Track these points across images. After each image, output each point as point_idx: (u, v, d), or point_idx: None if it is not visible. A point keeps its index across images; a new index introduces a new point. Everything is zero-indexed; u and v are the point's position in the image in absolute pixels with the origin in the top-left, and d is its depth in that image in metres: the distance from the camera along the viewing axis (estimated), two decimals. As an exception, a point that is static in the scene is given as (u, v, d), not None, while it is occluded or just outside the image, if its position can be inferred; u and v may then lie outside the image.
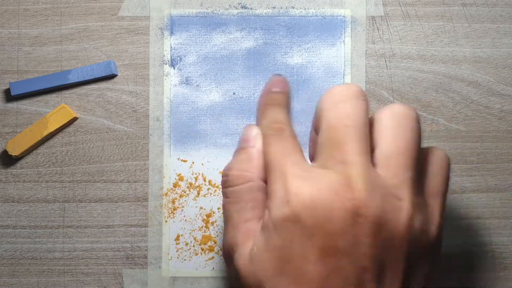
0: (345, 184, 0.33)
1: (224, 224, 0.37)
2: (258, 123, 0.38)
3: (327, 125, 0.34)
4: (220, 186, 0.47)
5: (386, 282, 0.32)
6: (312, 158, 0.37)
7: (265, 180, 0.36)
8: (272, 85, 0.40)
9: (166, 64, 0.47)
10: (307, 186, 0.33)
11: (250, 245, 0.35)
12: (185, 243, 0.47)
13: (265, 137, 0.37)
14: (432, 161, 0.37)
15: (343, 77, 0.47)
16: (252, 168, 0.37)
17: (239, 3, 0.47)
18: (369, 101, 0.35)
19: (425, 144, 0.47)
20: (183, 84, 0.47)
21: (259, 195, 0.36)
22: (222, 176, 0.37)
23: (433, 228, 0.34)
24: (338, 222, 0.32)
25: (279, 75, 0.40)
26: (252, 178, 0.36)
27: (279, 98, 0.39)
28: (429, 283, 0.35)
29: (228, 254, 0.36)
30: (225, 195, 0.37)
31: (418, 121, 0.35)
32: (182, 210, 0.47)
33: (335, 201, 0.32)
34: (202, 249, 0.47)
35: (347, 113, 0.34)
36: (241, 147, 0.38)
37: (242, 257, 0.35)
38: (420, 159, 0.35)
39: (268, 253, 0.33)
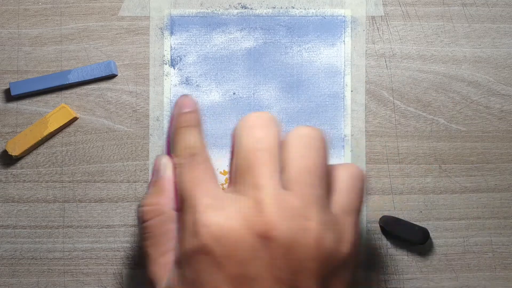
0: (255, 209, 0.32)
1: (145, 262, 0.36)
2: (172, 150, 0.38)
3: (240, 149, 0.35)
4: (221, 186, 0.47)
5: None
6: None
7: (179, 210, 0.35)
8: (182, 106, 0.39)
9: (166, 64, 0.47)
10: (216, 215, 0.33)
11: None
12: (185, 243, 0.47)
13: (177, 167, 0.37)
14: (341, 178, 0.37)
15: (343, 77, 0.47)
16: (163, 200, 0.36)
17: (239, 3, 0.47)
18: (280, 128, 0.36)
19: (425, 144, 0.47)
20: (183, 84, 0.47)
21: (173, 226, 0.36)
22: (139, 212, 0.37)
23: (346, 245, 0.34)
24: (248, 248, 0.32)
25: (186, 95, 0.40)
26: (163, 210, 0.36)
27: (190, 118, 0.39)
28: None
29: None
30: (141, 230, 0.37)
31: (323, 140, 0.36)
32: (182, 210, 0.47)
33: (244, 227, 0.32)
34: (202, 249, 0.47)
35: (259, 138, 0.35)
36: (153, 180, 0.38)
37: None
38: (327, 177, 0.35)
39: (182, 287, 0.33)
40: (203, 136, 0.38)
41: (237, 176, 0.35)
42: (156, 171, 0.38)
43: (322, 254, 0.33)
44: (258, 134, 0.35)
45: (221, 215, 0.33)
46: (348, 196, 0.36)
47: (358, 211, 0.36)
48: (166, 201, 0.37)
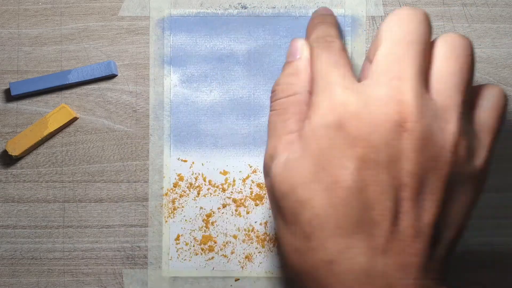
0: (396, 98, 0.32)
1: (268, 136, 0.36)
2: (308, 38, 0.38)
3: (390, 40, 0.34)
4: (221, 186, 0.47)
5: (423, 203, 0.32)
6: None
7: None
8: (322, 10, 0.41)
9: (166, 64, 0.47)
10: (355, 96, 0.32)
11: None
12: (185, 243, 0.47)
13: (313, 49, 0.36)
14: (485, 95, 0.36)
15: (343, 77, 0.47)
16: (298, 80, 0.36)
17: (239, 3, 0.47)
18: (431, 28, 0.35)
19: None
20: (183, 84, 0.47)
21: (304, 108, 0.35)
22: (271, 92, 0.37)
23: (479, 160, 0.34)
24: (383, 133, 0.31)
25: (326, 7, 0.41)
26: (298, 90, 0.36)
27: (329, 18, 0.39)
28: (468, 214, 0.34)
29: (267, 166, 0.36)
30: (272, 108, 0.37)
31: (472, 48, 0.35)
32: (182, 210, 0.47)
33: (382, 113, 0.32)
34: (202, 249, 0.47)
35: (412, 30, 0.34)
36: (288, 61, 0.37)
37: (278, 165, 0.34)
38: (471, 89, 0.35)
39: (304, 160, 0.33)
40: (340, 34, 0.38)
41: (379, 67, 0.34)
42: (291, 53, 0.38)
43: (455, 160, 0.32)
44: (411, 26, 0.34)
45: (361, 97, 0.32)
46: (490, 115, 0.35)
47: (497, 132, 0.35)
48: (301, 82, 0.36)
